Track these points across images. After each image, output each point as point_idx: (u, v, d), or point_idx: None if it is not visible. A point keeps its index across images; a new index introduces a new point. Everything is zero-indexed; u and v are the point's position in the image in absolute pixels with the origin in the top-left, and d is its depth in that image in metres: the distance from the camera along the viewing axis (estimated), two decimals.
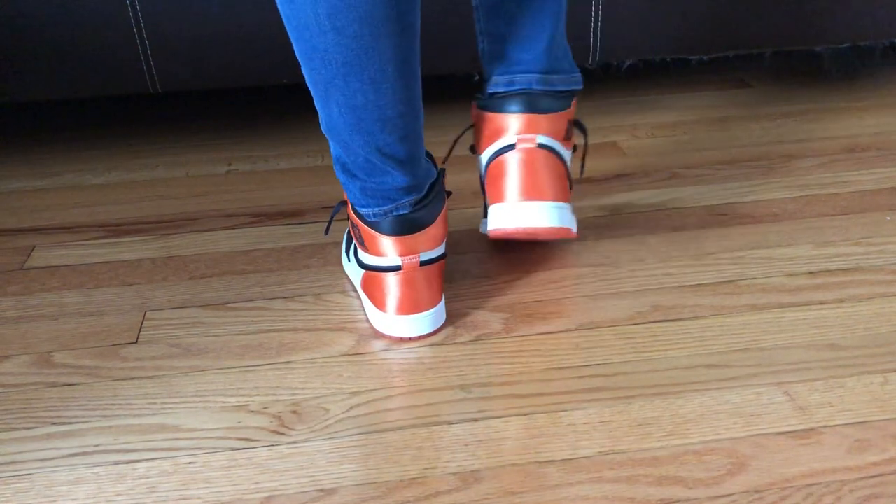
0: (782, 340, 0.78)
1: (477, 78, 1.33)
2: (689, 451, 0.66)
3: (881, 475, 0.63)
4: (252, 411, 0.72)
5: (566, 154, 0.84)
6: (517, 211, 0.81)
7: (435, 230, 0.79)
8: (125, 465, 0.67)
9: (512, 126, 0.81)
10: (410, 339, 0.80)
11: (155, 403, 0.73)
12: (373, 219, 0.78)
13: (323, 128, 0.76)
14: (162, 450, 0.68)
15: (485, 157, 0.85)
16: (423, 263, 0.79)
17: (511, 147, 0.81)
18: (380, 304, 0.80)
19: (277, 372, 0.77)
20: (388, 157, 0.75)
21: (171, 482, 0.65)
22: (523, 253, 0.94)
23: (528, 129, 0.80)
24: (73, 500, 0.64)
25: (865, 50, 1.50)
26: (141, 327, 0.84)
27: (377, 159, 0.74)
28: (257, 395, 0.74)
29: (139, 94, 1.19)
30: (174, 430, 0.70)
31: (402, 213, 0.77)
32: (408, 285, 0.78)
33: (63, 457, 0.68)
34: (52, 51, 1.09)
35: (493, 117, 0.83)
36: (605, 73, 1.46)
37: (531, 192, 0.80)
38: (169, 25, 1.09)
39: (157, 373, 0.77)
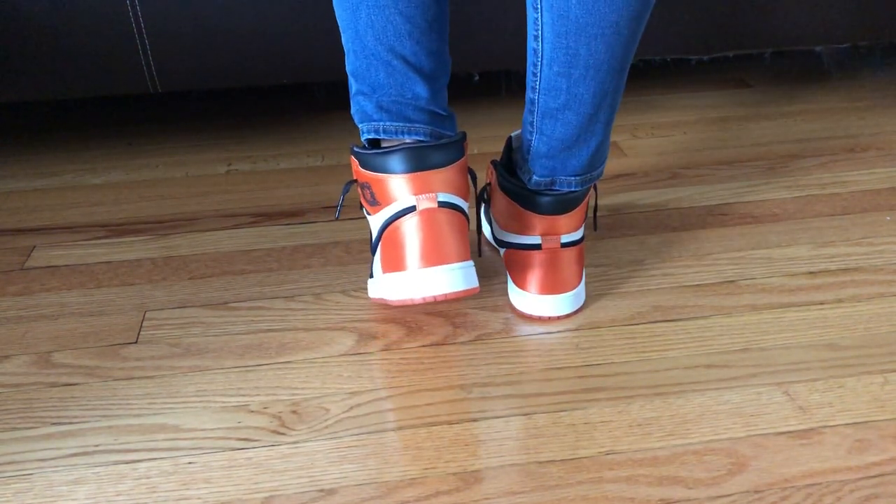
0: (782, 340, 0.78)
1: (477, 78, 1.33)
2: (689, 451, 0.66)
3: (881, 475, 0.63)
4: (252, 411, 0.72)
5: (582, 232, 0.83)
6: (538, 303, 0.81)
7: (452, 174, 0.73)
8: (125, 465, 0.67)
9: (538, 226, 0.80)
10: (440, 299, 0.70)
11: (155, 403, 0.73)
12: (386, 136, 0.74)
13: (348, 66, 0.76)
14: (162, 450, 0.68)
15: (505, 237, 0.83)
16: (441, 205, 0.71)
17: (538, 247, 0.80)
18: (398, 262, 0.70)
19: (277, 372, 0.77)
20: (412, 67, 0.73)
21: (171, 482, 0.65)
22: None
23: (554, 230, 0.80)
24: (73, 500, 0.64)
25: (865, 50, 1.50)
26: (141, 327, 0.84)
27: (400, 66, 0.73)
28: (257, 395, 0.74)
29: (139, 94, 1.19)
30: (174, 430, 0.70)
31: (416, 137, 0.74)
32: (428, 228, 0.70)
33: (63, 457, 0.68)
34: (52, 51, 1.09)
35: (518, 210, 0.81)
36: None
37: (553, 286, 0.80)
38: (169, 25, 1.09)
39: (157, 373, 0.77)
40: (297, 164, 1.18)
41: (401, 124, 0.74)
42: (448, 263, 0.70)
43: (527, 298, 0.81)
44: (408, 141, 0.75)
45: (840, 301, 0.84)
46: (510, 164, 0.85)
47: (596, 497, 0.62)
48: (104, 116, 1.36)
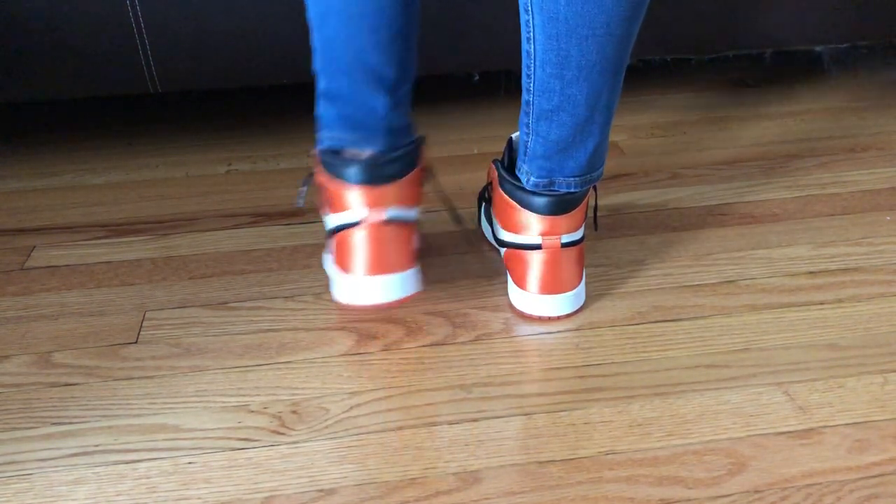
0: (782, 340, 0.78)
1: (477, 78, 1.34)
2: (689, 451, 0.66)
3: (881, 475, 0.63)
4: (252, 411, 0.72)
5: (583, 232, 0.83)
6: (538, 303, 0.81)
7: (404, 187, 0.77)
8: (125, 465, 0.67)
9: (536, 226, 0.80)
10: (383, 306, 0.77)
11: (155, 403, 0.73)
12: (339, 146, 0.76)
13: (315, 64, 0.76)
14: (162, 450, 0.68)
15: (505, 237, 0.84)
16: (389, 221, 0.76)
17: (538, 247, 0.80)
18: (347, 266, 0.76)
19: (277, 372, 0.77)
20: (374, 78, 0.75)
21: (171, 482, 0.65)
22: None
23: (554, 230, 0.80)
24: (73, 500, 0.64)
25: (865, 50, 1.50)
26: (141, 327, 0.84)
27: (363, 79, 0.74)
28: (257, 395, 0.74)
29: (139, 94, 1.19)
30: (174, 430, 0.70)
31: (372, 151, 0.76)
32: (375, 242, 0.75)
33: (63, 457, 0.68)
34: (52, 51, 1.09)
35: (517, 210, 0.81)
36: None
37: (553, 286, 0.81)
38: (169, 25, 1.09)
39: (157, 373, 0.77)
40: (297, 164, 1.18)
41: (358, 135, 0.76)
42: (390, 273, 0.76)
43: (527, 298, 0.81)
44: (364, 153, 0.77)
45: (840, 301, 0.84)
46: (511, 163, 0.85)
47: (596, 497, 0.62)
48: (104, 116, 1.36)
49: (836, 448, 0.66)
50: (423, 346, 0.79)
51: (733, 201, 1.03)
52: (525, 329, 0.81)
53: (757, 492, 0.62)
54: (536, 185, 0.80)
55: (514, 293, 0.83)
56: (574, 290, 0.82)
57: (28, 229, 1.03)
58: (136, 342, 0.81)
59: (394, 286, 0.76)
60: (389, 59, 0.75)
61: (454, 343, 0.80)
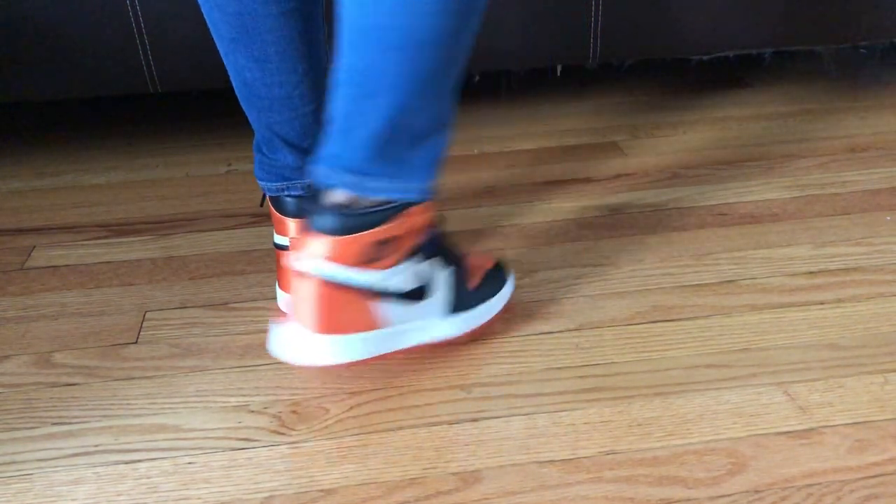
0: (782, 340, 0.78)
1: (477, 78, 1.34)
2: (689, 451, 0.66)
3: (881, 475, 0.63)
4: (252, 411, 0.72)
5: (352, 276, 0.67)
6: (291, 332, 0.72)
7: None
8: (125, 465, 0.67)
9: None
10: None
11: (155, 403, 0.73)
12: (269, 193, 0.80)
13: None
14: (162, 450, 0.68)
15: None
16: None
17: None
18: (282, 283, 0.82)
19: (277, 372, 0.77)
20: (278, 136, 0.77)
21: (172, 482, 0.65)
22: (523, 253, 0.94)
23: (305, 244, 0.66)
24: (73, 500, 0.64)
25: (865, 50, 1.50)
26: (141, 327, 0.84)
27: (269, 136, 0.77)
28: (257, 395, 0.74)
29: (139, 94, 1.19)
30: (174, 430, 0.70)
31: (294, 193, 0.79)
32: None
33: (63, 457, 0.68)
34: (52, 51, 1.09)
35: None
36: (605, 73, 1.46)
37: (298, 313, 0.72)
38: (169, 25, 1.09)
39: (157, 373, 0.77)
40: None
41: (279, 184, 0.79)
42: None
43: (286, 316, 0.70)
44: (292, 194, 0.79)
45: (840, 301, 0.84)
46: None
47: (596, 497, 0.62)
48: (104, 116, 1.36)
49: (836, 448, 0.66)
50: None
51: (733, 201, 1.03)
52: (525, 329, 0.81)
53: (757, 492, 0.62)
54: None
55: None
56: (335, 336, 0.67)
57: (28, 229, 1.03)
58: (136, 342, 0.81)
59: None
60: (289, 117, 0.76)
61: (454, 343, 0.80)
